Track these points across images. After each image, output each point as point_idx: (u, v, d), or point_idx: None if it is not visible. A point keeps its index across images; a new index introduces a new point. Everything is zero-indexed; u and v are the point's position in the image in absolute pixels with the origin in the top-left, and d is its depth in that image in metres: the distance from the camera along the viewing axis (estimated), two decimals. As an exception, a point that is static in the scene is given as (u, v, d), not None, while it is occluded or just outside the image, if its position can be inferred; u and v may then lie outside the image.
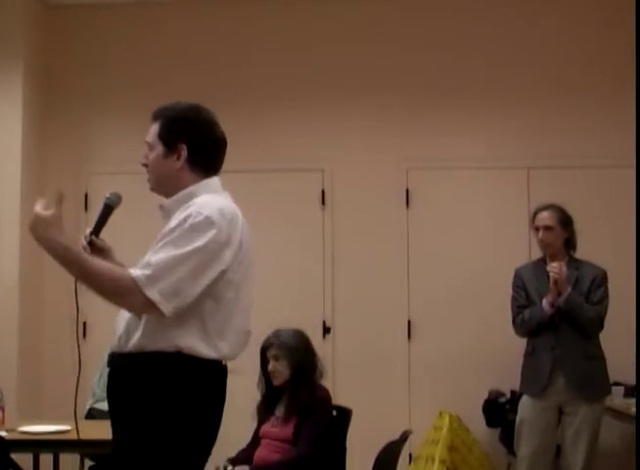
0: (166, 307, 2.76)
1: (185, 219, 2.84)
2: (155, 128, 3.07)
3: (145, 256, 2.85)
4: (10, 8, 6.31)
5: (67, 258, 2.77)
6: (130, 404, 2.88)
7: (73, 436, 4.38)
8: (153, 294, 2.74)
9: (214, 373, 2.92)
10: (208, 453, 3.00)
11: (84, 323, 6.21)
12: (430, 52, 6.58)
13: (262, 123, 6.63)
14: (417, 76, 6.58)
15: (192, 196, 2.98)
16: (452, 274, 6.41)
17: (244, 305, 2.99)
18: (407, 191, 6.52)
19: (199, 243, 2.80)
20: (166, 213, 3.01)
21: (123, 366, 2.93)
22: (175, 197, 3.02)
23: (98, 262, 2.83)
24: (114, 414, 2.98)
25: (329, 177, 6.58)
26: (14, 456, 4.31)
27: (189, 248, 2.79)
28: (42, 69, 6.66)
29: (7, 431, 4.40)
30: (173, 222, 2.87)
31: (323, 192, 6.57)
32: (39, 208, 2.79)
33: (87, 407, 5.76)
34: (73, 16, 6.81)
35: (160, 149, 3.04)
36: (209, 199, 2.96)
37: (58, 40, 6.79)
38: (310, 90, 6.65)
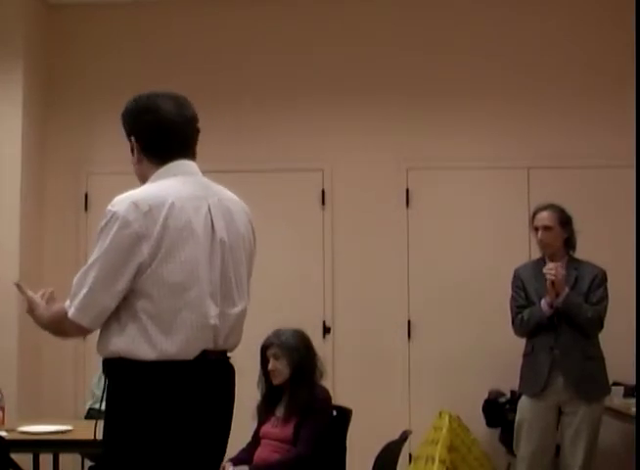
0: (85, 321, 2.76)
1: (100, 221, 2.79)
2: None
3: None
4: (10, 7, 6.31)
5: (43, 327, 2.94)
6: (107, 409, 2.85)
7: (73, 436, 4.41)
8: (71, 312, 2.76)
9: (163, 374, 2.75)
10: (188, 454, 2.83)
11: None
12: (430, 52, 6.58)
13: (263, 123, 6.63)
14: (417, 76, 6.58)
15: None
16: (452, 274, 6.41)
17: (196, 298, 2.77)
18: (407, 191, 6.52)
19: (105, 244, 2.73)
20: None
21: (104, 372, 2.93)
22: None
23: (47, 312, 2.90)
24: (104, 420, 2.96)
25: (329, 177, 6.58)
26: (14, 456, 4.32)
27: (96, 254, 2.75)
28: (42, 68, 6.66)
29: (7, 431, 4.40)
30: None
31: (323, 192, 6.57)
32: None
33: (87, 408, 5.77)
34: (73, 15, 6.81)
35: (130, 150, 3.00)
36: (134, 191, 2.81)
37: (58, 40, 6.79)
38: (311, 90, 6.65)
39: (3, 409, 4.76)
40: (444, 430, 5.83)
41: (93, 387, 5.78)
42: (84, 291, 2.73)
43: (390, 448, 4.04)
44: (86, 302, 2.73)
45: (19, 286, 2.95)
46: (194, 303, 2.78)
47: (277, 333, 4.65)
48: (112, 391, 2.82)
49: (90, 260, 2.76)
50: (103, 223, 2.76)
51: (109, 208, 2.76)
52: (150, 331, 2.73)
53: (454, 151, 6.50)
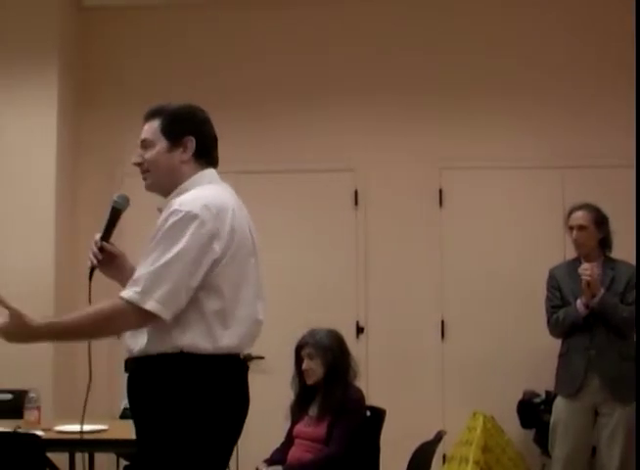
0: (166, 314, 2.78)
1: (166, 220, 2.84)
2: (153, 125, 3.10)
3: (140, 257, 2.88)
4: (45, 10, 6.36)
5: (60, 332, 2.85)
6: (143, 407, 2.92)
7: (109, 435, 4.43)
8: (151, 305, 2.76)
9: (224, 367, 2.90)
10: (229, 451, 2.98)
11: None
12: (462, 52, 6.56)
13: (294, 123, 6.64)
14: (450, 76, 6.56)
15: (184, 191, 2.98)
16: (486, 274, 6.38)
17: (248, 295, 2.95)
18: (440, 191, 6.50)
19: (183, 241, 2.79)
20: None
21: (135, 371, 2.97)
22: (170, 196, 3.02)
23: (84, 311, 2.84)
24: (133, 417, 3.02)
25: (361, 177, 6.57)
26: (50, 455, 4.34)
27: (174, 248, 2.79)
28: (76, 70, 6.70)
29: (43, 430, 4.43)
30: (158, 223, 2.88)
31: (356, 192, 6.56)
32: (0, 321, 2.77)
33: (122, 407, 5.79)
34: (106, 17, 6.85)
35: (163, 144, 3.05)
36: (196, 193, 2.93)
37: (91, 41, 6.83)
38: (344, 90, 6.63)
39: (39, 409, 4.79)
40: (478, 430, 5.80)
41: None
42: (168, 285, 2.77)
43: (425, 449, 4.03)
44: (170, 296, 2.78)
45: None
46: (247, 299, 2.95)
47: (311, 333, 4.66)
48: (163, 386, 2.86)
49: (167, 254, 2.79)
50: (175, 220, 2.82)
51: (177, 207, 2.84)
52: (213, 325, 2.85)
53: (487, 151, 6.47)
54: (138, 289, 2.77)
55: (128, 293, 2.78)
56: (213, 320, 2.85)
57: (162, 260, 2.78)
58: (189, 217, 2.81)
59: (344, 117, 6.62)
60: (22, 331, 2.76)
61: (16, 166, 6.28)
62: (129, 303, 2.77)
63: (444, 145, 6.53)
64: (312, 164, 6.55)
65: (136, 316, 2.78)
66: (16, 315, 2.74)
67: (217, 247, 2.84)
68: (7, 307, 2.75)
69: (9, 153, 6.30)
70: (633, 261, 5.20)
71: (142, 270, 2.81)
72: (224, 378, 2.90)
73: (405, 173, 6.55)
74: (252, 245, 3.03)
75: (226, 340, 2.86)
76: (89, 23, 6.83)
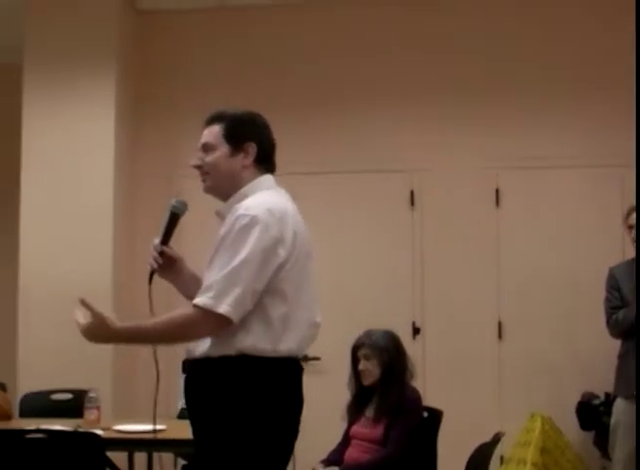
0: (236, 317, 2.83)
1: (233, 224, 2.89)
2: (215, 129, 3.14)
3: (207, 270, 2.93)
4: (102, 15, 6.43)
5: (137, 338, 3.02)
6: (202, 408, 2.97)
7: (167, 435, 4.47)
8: (224, 309, 2.81)
9: (283, 370, 2.95)
10: (289, 452, 3.01)
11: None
12: (516, 53, 6.51)
13: (351, 124, 6.63)
14: (505, 76, 6.51)
15: (244, 197, 3.02)
16: (543, 274, 6.32)
17: (307, 298, 3.01)
18: (497, 190, 6.46)
19: (250, 245, 2.85)
20: (222, 218, 3.06)
21: (194, 372, 3.02)
22: (230, 200, 3.07)
23: (159, 320, 2.92)
24: (190, 418, 3.06)
25: (418, 178, 6.55)
26: (109, 454, 4.39)
27: (243, 253, 2.84)
28: (133, 72, 6.77)
29: (103, 429, 4.48)
30: (223, 229, 2.93)
31: (412, 193, 6.55)
32: (81, 319, 2.91)
33: (179, 408, 5.84)
34: (162, 21, 6.91)
35: (224, 148, 3.10)
36: (259, 198, 2.99)
37: (148, 45, 6.90)
38: (401, 90, 6.61)
39: (99, 409, 4.84)
40: (536, 432, 5.75)
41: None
42: (238, 290, 2.82)
43: (482, 450, 4.00)
44: (240, 300, 2.83)
45: (83, 302, 2.92)
46: (307, 302, 3.01)
47: (368, 333, 4.66)
48: (223, 388, 2.89)
49: (236, 259, 2.84)
50: (242, 224, 2.87)
51: (243, 212, 2.90)
52: (275, 328, 2.89)
53: (545, 150, 6.41)
54: (211, 294, 2.82)
55: (202, 299, 2.84)
56: (276, 323, 2.90)
57: (232, 265, 2.83)
58: (255, 222, 2.86)
59: (400, 117, 6.60)
60: (102, 333, 2.92)
61: (74, 169, 6.35)
62: (203, 309, 2.83)
63: (501, 145, 6.48)
64: (368, 165, 6.54)
65: (211, 322, 2.84)
66: (98, 317, 2.88)
67: (282, 251, 2.90)
68: (91, 310, 2.88)
69: (67, 155, 6.37)
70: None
71: (213, 276, 2.86)
72: (282, 381, 2.94)
73: (461, 173, 6.51)
74: (309, 249, 3.08)
75: (286, 343, 2.92)
76: (146, 26, 6.89)
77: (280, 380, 2.94)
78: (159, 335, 2.92)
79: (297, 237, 2.97)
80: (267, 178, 3.13)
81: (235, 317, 2.82)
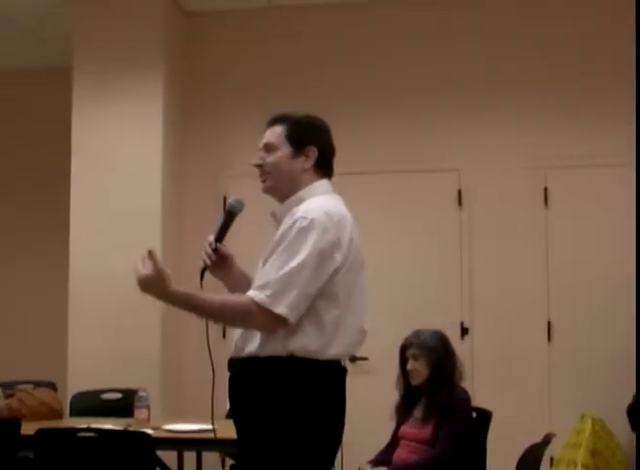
0: (293, 318, 2.85)
1: (291, 226, 2.91)
2: (278, 130, 3.14)
3: (259, 264, 2.97)
4: (150, 16, 6.48)
5: (192, 304, 2.92)
6: (247, 408, 2.98)
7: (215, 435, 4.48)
8: (281, 310, 2.83)
9: (329, 373, 2.96)
10: (333, 455, 3.02)
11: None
12: (564, 53, 6.46)
13: (399, 124, 6.62)
14: (553, 74, 6.46)
15: (301, 200, 3.04)
16: (593, 274, 6.26)
17: (357, 304, 3.02)
18: (545, 190, 6.41)
19: (309, 248, 2.86)
20: (277, 220, 3.08)
21: (240, 371, 3.03)
22: (286, 202, 3.09)
23: (216, 298, 2.93)
24: (235, 417, 3.07)
25: (465, 177, 6.52)
26: (159, 453, 4.41)
27: (301, 255, 2.86)
28: (180, 74, 6.81)
29: (152, 429, 4.51)
30: (281, 230, 2.95)
31: (459, 192, 6.51)
32: (141, 267, 2.94)
33: (227, 407, 5.85)
34: (208, 22, 6.95)
35: (286, 149, 3.11)
36: (316, 202, 3.01)
37: (194, 46, 6.94)
38: (446, 90, 6.59)
39: (148, 408, 4.88)
40: (587, 433, 5.70)
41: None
42: (296, 291, 2.85)
43: (533, 451, 3.96)
44: (296, 303, 2.85)
45: (151, 253, 2.95)
46: (357, 308, 3.02)
47: (416, 333, 4.64)
48: (270, 388, 2.91)
49: (294, 261, 2.86)
50: (300, 226, 2.89)
51: (302, 215, 2.92)
52: (326, 331, 2.91)
53: (594, 149, 6.35)
54: (268, 293, 2.84)
55: (259, 296, 2.86)
56: (328, 327, 2.91)
57: (290, 266, 2.85)
58: (313, 225, 2.88)
59: (449, 117, 6.57)
60: (158, 288, 2.92)
61: (123, 170, 6.41)
62: (257, 305, 2.85)
63: (549, 144, 6.43)
64: (416, 165, 6.53)
65: (265, 319, 2.85)
66: (160, 273, 2.90)
67: (338, 255, 2.91)
68: (155, 263, 2.91)
69: (116, 156, 6.43)
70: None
71: (270, 275, 2.88)
72: (328, 383, 2.96)
73: (510, 173, 6.47)
74: (363, 257, 3.09)
75: (335, 347, 2.93)
76: (193, 27, 6.94)
77: (326, 383, 2.95)
78: (211, 311, 2.92)
79: (352, 243, 2.98)
80: (324, 183, 3.15)
81: (292, 319, 2.85)
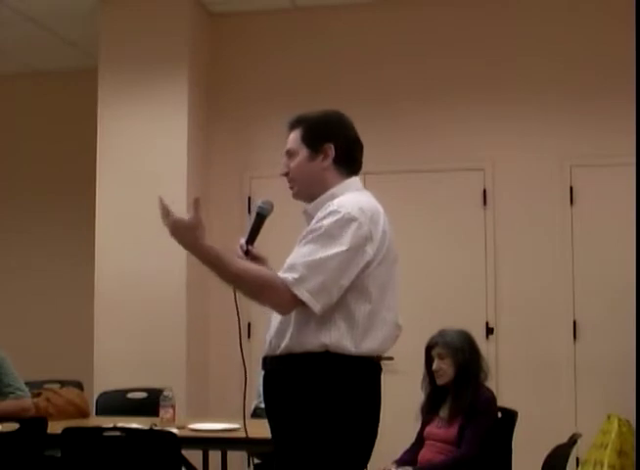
0: (315, 306, 2.83)
1: (324, 217, 2.91)
2: (296, 134, 3.14)
3: (290, 256, 2.93)
4: (175, 17, 6.52)
5: (216, 262, 2.85)
6: (283, 406, 2.96)
7: (241, 434, 4.49)
8: (302, 294, 2.82)
9: (364, 369, 2.94)
10: (369, 452, 3.00)
11: (248, 324, 6.37)
12: (586, 52, 6.43)
13: (423, 123, 6.62)
14: (580, 74, 6.43)
15: (333, 197, 3.03)
16: (619, 273, 6.22)
17: (391, 300, 3.01)
18: (571, 188, 6.38)
19: (341, 240, 2.86)
20: (309, 217, 3.06)
21: (275, 369, 3.02)
22: (318, 199, 3.07)
23: (245, 264, 2.94)
24: (269, 415, 3.05)
25: (490, 176, 6.50)
26: (184, 452, 4.43)
27: (332, 245, 2.85)
28: (205, 75, 6.84)
29: (178, 428, 4.52)
30: (313, 221, 2.95)
31: (484, 191, 6.50)
32: (178, 213, 2.87)
33: (252, 407, 5.87)
34: (233, 23, 6.97)
35: (304, 152, 3.11)
36: (350, 197, 3.00)
37: (220, 47, 6.96)
38: (470, 89, 6.58)
39: (174, 407, 4.89)
40: (613, 434, 5.67)
41: (259, 386, 5.87)
42: (321, 279, 2.83)
43: (559, 452, 3.95)
44: (321, 289, 2.83)
45: (196, 201, 2.86)
46: (391, 303, 3.01)
47: (442, 333, 4.63)
48: (306, 384, 2.90)
49: (324, 249, 2.85)
50: (334, 219, 2.88)
51: (335, 208, 2.92)
52: (359, 326, 2.90)
53: (619, 147, 6.31)
54: (295, 275, 2.82)
55: (286, 275, 2.84)
56: (360, 321, 2.90)
57: (320, 255, 2.84)
58: (347, 219, 2.88)
59: (473, 116, 6.56)
60: (189, 237, 2.85)
61: (148, 171, 6.44)
62: (283, 283, 2.83)
63: (575, 142, 6.40)
64: (441, 164, 6.52)
65: (282, 297, 2.84)
66: (196, 223, 2.83)
67: (370, 249, 2.90)
68: (195, 214, 2.83)
69: (142, 157, 6.47)
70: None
71: (298, 259, 2.86)
72: (363, 380, 2.95)
73: (535, 172, 6.45)
74: (396, 252, 3.08)
75: (369, 342, 2.91)
76: (218, 29, 6.96)
77: (361, 379, 2.93)
78: (235, 277, 2.86)
79: (386, 237, 2.98)
80: (355, 181, 3.13)
81: (314, 306, 2.82)
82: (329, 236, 2.86)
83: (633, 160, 6.18)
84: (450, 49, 6.63)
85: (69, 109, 7.83)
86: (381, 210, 3.04)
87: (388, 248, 3.00)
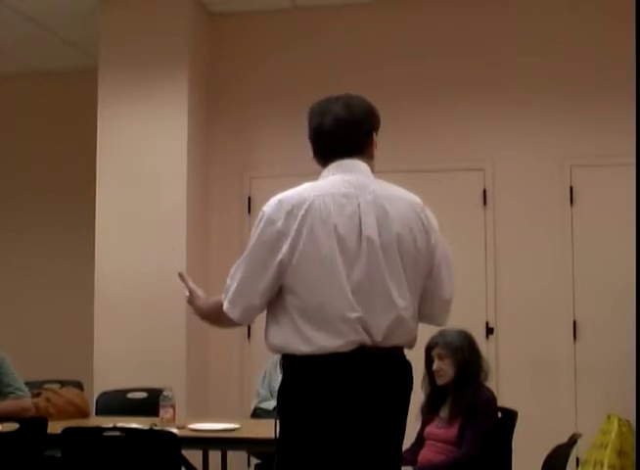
0: (233, 313, 2.88)
1: None
2: None
3: None
4: (175, 17, 6.51)
5: (202, 317, 3.19)
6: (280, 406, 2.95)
7: (240, 434, 4.50)
8: (225, 305, 2.89)
9: (320, 368, 2.79)
10: (342, 453, 2.83)
11: (248, 326, 6.37)
12: (588, 52, 6.43)
13: (422, 123, 6.62)
14: (579, 73, 6.43)
15: None
16: (619, 273, 6.22)
17: (337, 293, 2.78)
18: (571, 189, 6.38)
19: (253, 241, 2.87)
20: None
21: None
22: None
23: (209, 302, 3.10)
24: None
25: (490, 176, 6.50)
26: (184, 452, 4.43)
27: (246, 251, 2.88)
28: (205, 75, 6.84)
29: (178, 428, 4.52)
30: None
31: (484, 191, 6.50)
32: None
33: (252, 407, 5.88)
34: (233, 23, 6.97)
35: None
36: (286, 191, 2.92)
37: (220, 47, 6.96)
38: (473, 89, 6.58)
39: (174, 407, 4.89)
40: (613, 434, 5.67)
41: (258, 386, 5.88)
42: (234, 286, 2.87)
43: (559, 452, 3.94)
44: (235, 297, 2.87)
45: (181, 276, 3.14)
46: (334, 297, 2.79)
47: (442, 333, 4.61)
48: (280, 386, 2.91)
49: (242, 255, 2.89)
50: (257, 221, 2.90)
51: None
52: (300, 326, 2.80)
53: (619, 147, 6.31)
54: (224, 291, 2.93)
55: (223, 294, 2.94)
56: (299, 320, 2.79)
57: (237, 262, 2.89)
58: (261, 216, 2.87)
59: (473, 116, 6.57)
60: (191, 307, 3.20)
61: (148, 171, 6.44)
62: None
63: (575, 142, 6.41)
64: (441, 164, 6.52)
65: (225, 316, 2.92)
66: (191, 293, 3.20)
67: (284, 246, 2.79)
68: (186, 285, 3.21)
69: (142, 156, 6.47)
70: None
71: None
72: (323, 378, 2.80)
73: (535, 172, 6.45)
74: (365, 241, 2.84)
75: (320, 340, 2.77)
76: (218, 29, 6.96)
77: (319, 377, 2.80)
78: (209, 316, 3.13)
79: (307, 228, 2.78)
80: (329, 168, 3.00)
81: (232, 314, 2.88)
82: (250, 239, 2.90)
83: (633, 160, 6.18)
84: (450, 49, 6.64)
85: (69, 109, 7.84)
86: (310, 198, 2.83)
87: (316, 239, 2.78)
